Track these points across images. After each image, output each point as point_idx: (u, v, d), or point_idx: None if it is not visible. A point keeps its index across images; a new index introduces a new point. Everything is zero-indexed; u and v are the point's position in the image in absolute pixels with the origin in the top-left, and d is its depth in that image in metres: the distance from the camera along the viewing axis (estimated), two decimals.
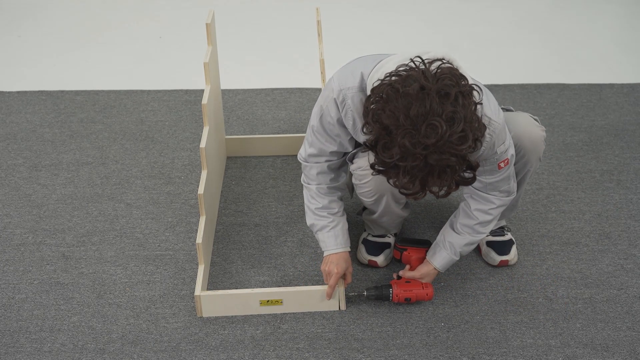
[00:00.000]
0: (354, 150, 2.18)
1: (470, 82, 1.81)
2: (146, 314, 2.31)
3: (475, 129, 1.74)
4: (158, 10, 4.02)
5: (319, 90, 3.29)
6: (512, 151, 2.08)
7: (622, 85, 3.34)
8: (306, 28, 3.83)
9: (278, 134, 3.04)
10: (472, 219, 2.19)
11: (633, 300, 2.34)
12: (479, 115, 1.79)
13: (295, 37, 3.78)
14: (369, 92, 1.95)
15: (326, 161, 2.18)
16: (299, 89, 3.33)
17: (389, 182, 1.82)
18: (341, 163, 2.22)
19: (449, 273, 2.42)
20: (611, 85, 3.34)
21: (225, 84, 3.24)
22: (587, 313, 2.30)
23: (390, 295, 2.27)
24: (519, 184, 2.29)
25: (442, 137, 1.69)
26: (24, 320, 2.29)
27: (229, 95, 3.27)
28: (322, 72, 2.59)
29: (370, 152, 1.83)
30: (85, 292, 2.38)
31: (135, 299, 2.36)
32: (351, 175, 2.25)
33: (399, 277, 2.30)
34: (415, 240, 2.41)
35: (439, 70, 1.75)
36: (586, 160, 2.90)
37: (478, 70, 3.46)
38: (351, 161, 2.20)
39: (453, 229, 2.24)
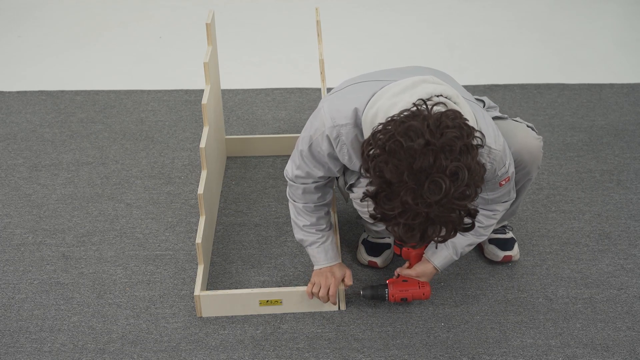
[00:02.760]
0: (352, 182, 2.15)
1: (471, 117, 1.79)
2: (146, 314, 2.31)
3: (477, 179, 1.72)
4: (158, 10, 4.02)
5: (319, 90, 3.29)
6: (512, 169, 2.07)
7: (622, 85, 3.34)
8: (306, 28, 3.83)
9: (278, 134, 3.04)
10: (477, 223, 2.17)
11: (633, 300, 2.34)
12: (481, 160, 1.76)
13: (296, 37, 3.78)
14: (364, 129, 1.93)
15: (313, 182, 2.16)
16: (299, 89, 3.33)
17: (387, 229, 1.79)
18: (327, 183, 2.20)
19: (448, 273, 2.43)
20: (611, 85, 3.34)
21: (225, 84, 3.24)
22: (587, 313, 2.30)
23: (386, 295, 2.26)
24: (519, 192, 2.29)
25: (447, 195, 1.66)
26: (24, 320, 2.29)
27: (229, 95, 3.27)
28: (321, 73, 2.59)
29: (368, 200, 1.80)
30: (85, 292, 2.38)
31: (135, 299, 2.36)
32: (345, 183, 2.23)
33: (398, 276, 2.30)
34: None
35: (442, 120, 1.71)
36: (586, 160, 2.90)
37: (478, 70, 3.47)
38: (351, 190, 2.18)
39: None
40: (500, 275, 2.42)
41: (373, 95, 1.94)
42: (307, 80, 3.39)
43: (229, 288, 2.39)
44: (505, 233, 2.47)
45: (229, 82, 3.29)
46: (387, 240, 2.46)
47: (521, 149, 2.16)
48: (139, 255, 2.51)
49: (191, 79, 3.37)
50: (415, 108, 1.76)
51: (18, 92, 3.30)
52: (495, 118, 2.20)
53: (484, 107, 2.26)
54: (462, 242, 2.22)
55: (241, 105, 3.23)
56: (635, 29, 3.86)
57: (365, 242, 2.47)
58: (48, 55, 3.63)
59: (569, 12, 4.00)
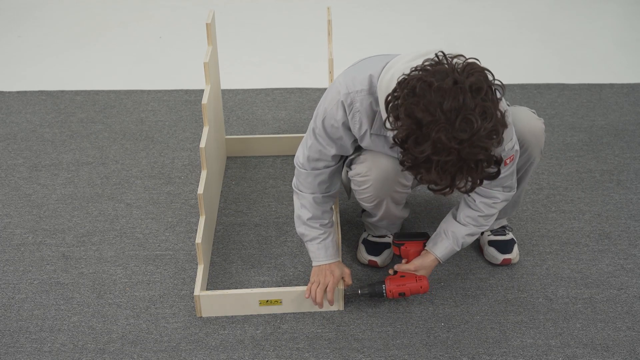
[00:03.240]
0: (352, 156, 2.17)
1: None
2: (146, 314, 2.31)
3: (502, 123, 1.75)
4: (158, 10, 4.02)
5: (319, 90, 3.29)
6: (517, 147, 2.09)
7: (622, 85, 3.34)
8: (306, 28, 3.84)
9: (278, 134, 3.04)
10: (476, 211, 2.19)
11: (633, 300, 2.35)
12: (503, 110, 1.78)
13: (296, 37, 3.78)
14: (379, 95, 1.94)
15: (325, 167, 2.16)
16: (299, 89, 3.33)
17: (416, 179, 1.81)
18: (337, 169, 2.20)
19: (449, 273, 2.43)
20: (611, 85, 3.34)
21: (225, 84, 3.24)
22: (587, 313, 2.30)
23: (384, 291, 2.25)
24: (521, 179, 2.29)
25: (477, 132, 1.69)
26: (24, 320, 2.29)
27: (229, 95, 3.27)
28: (330, 72, 2.58)
29: (376, 156, 1.80)
30: (85, 292, 2.38)
31: (135, 299, 2.36)
32: (349, 178, 2.24)
33: (395, 272, 2.29)
34: (412, 233, 2.39)
35: (466, 64, 1.76)
36: (586, 160, 2.90)
37: None
38: (349, 167, 2.19)
39: (457, 220, 2.23)
40: (500, 275, 2.42)
41: (387, 64, 1.97)
42: (308, 80, 3.39)
43: (229, 288, 2.39)
44: (505, 234, 2.46)
45: (229, 82, 3.29)
46: (387, 240, 2.46)
47: (524, 129, 2.17)
48: (139, 255, 2.51)
49: (191, 79, 3.37)
50: (437, 58, 1.79)
51: (18, 92, 3.30)
52: None
53: None
54: (463, 231, 2.22)
55: (241, 105, 3.23)
56: (635, 29, 3.86)
57: (366, 242, 2.47)
58: (48, 55, 3.63)
59: (569, 12, 4.00)
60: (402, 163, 1.80)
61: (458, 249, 2.26)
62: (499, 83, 1.81)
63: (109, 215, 2.66)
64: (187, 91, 3.31)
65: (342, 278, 2.27)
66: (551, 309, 2.32)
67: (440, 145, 1.70)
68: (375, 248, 2.45)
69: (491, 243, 2.45)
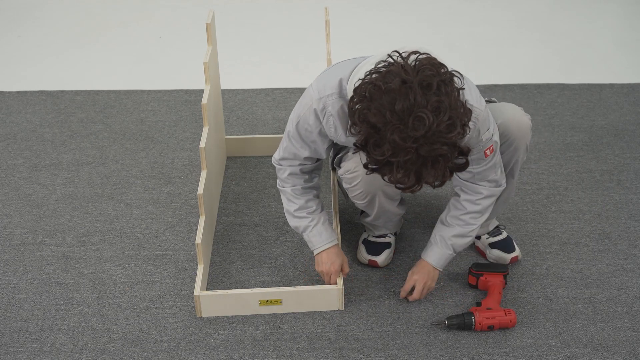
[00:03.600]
0: (340, 155, 2.18)
1: (450, 69, 1.82)
2: (146, 314, 2.31)
3: (461, 114, 1.75)
4: (158, 10, 4.02)
5: None
6: (496, 138, 2.09)
7: (622, 85, 3.34)
8: (306, 28, 3.84)
9: (278, 134, 3.04)
10: (460, 210, 2.20)
11: (633, 300, 2.34)
12: (463, 100, 1.79)
13: (296, 37, 3.78)
14: (348, 97, 1.95)
15: (299, 165, 2.20)
16: (299, 89, 3.33)
17: (384, 179, 1.83)
18: (314, 167, 2.23)
19: (448, 273, 2.42)
20: (611, 85, 3.34)
21: (225, 84, 3.24)
22: (587, 313, 2.30)
23: (473, 323, 2.22)
24: (509, 175, 2.29)
25: (431, 128, 1.70)
26: (24, 320, 2.29)
27: (229, 95, 3.27)
28: None
29: (361, 152, 1.83)
30: (85, 292, 2.38)
31: (135, 299, 2.36)
32: (334, 159, 2.26)
33: (479, 304, 2.26)
34: (491, 265, 2.37)
35: (417, 62, 1.76)
36: (586, 160, 2.90)
37: (478, 70, 3.46)
38: (338, 166, 2.20)
39: (442, 223, 2.25)
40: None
41: (356, 66, 1.98)
42: (308, 80, 3.37)
43: (229, 288, 2.39)
44: (501, 233, 2.47)
45: (229, 82, 3.29)
46: (387, 240, 2.46)
47: (509, 121, 2.17)
48: (139, 255, 2.51)
49: (191, 79, 3.37)
50: (390, 58, 1.81)
51: (18, 92, 3.30)
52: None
53: None
54: (449, 232, 2.22)
55: (241, 105, 3.23)
56: (635, 29, 3.86)
57: (366, 242, 2.47)
58: (48, 55, 3.63)
59: (569, 12, 4.00)
60: (365, 166, 1.82)
61: (451, 252, 2.25)
62: (457, 74, 1.80)
63: (109, 215, 2.66)
64: (187, 91, 3.31)
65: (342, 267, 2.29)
66: (551, 309, 2.32)
67: (397, 146, 1.72)
68: (375, 248, 2.45)
69: (493, 245, 2.45)
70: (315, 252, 2.29)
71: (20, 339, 2.24)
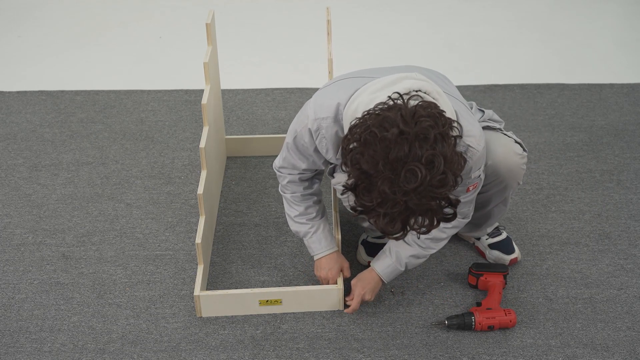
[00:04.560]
0: (333, 165, 2.18)
1: (450, 110, 1.79)
2: (146, 314, 2.31)
3: (455, 168, 1.73)
4: (158, 10, 4.02)
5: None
6: (482, 175, 2.08)
7: (622, 85, 3.34)
8: (306, 28, 3.83)
9: (278, 134, 3.04)
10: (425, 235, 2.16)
11: (633, 300, 2.34)
12: (460, 149, 1.76)
13: (296, 37, 3.78)
14: (344, 124, 1.95)
15: (298, 174, 2.20)
16: (299, 89, 3.33)
17: (369, 222, 1.81)
18: (313, 175, 2.23)
19: (448, 273, 2.42)
20: (611, 85, 3.34)
21: (225, 84, 3.24)
22: (587, 313, 2.30)
23: (473, 323, 2.22)
24: (501, 204, 2.30)
25: (423, 182, 1.68)
26: (24, 320, 2.29)
27: (229, 95, 3.27)
28: (330, 72, 2.58)
29: (349, 193, 1.81)
30: (85, 292, 2.38)
31: (135, 299, 2.36)
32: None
33: (479, 304, 2.27)
34: (491, 265, 2.37)
35: (417, 110, 1.72)
36: (586, 160, 2.90)
37: (478, 70, 3.47)
38: (332, 175, 2.19)
39: (404, 240, 2.20)
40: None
41: (355, 91, 1.96)
42: (307, 80, 3.39)
43: (229, 288, 2.39)
44: (500, 234, 2.47)
45: (229, 82, 3.29)
46: (386, 240, 2.46)
47: (499, 164, 2.15)
48: (139, 255, 2.51)
49: (191, 79, 3.37)
50: (391, 102, 1.78)
51: (18, 92, 3.30)
52: (485, 128, 2.18)
53: (482, 116, 2.25)
54: (407, 252, 2.21)
55: (241, 105, 3.23)
56: (635, 29, 3.86)
57: (365, 243, 2.47)
58: (48, 55, 3.63)
59: (569, 12, 4.00)
60: (353, 209, 1.80)
61: (402, 269, 2.23)
62: (455, 126, 1.77)
63: (109, 215, 2.66)
64: (187, 91, 3.31)
65: (341, 271, 2.28)
66: (551, 309, 2.32)
67: (386, 196, 1.70)
68: (374, 249, 2.44)
69: (493, 246, 2.44)
70: (314, 258, 2.30)
71: (20, 339, 2.24)
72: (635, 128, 3.07)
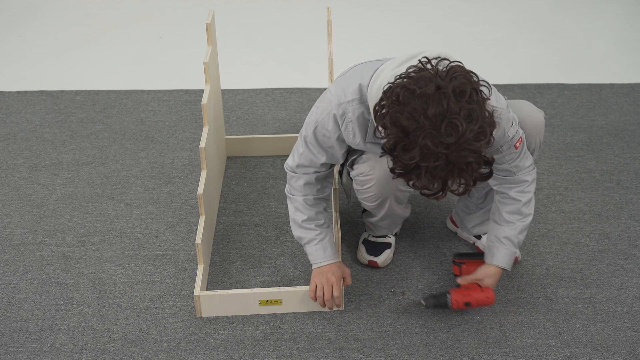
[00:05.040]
0: (354, 157, 2.18)
1: (479, 78, 1.82)
2: (146, 314, 2.31)
3: (489, 123, 1.76)
4: (158, 10, 4.02)
5: (320, 90, 3.29)
6: (521, 132, 2.09)
7: (622, 85, 3.34)
8: (306, 28, 3.84)
9: (278, 134, 3.04)
10: (516, 203, 2.16)
11: (633, 300, 2.35)
12: (490, 110, 1.79)
13: (296, 37, 3.78)
14: (370, 103, 1.95)
15: (315, 172, 2.17)
16: (299, 89, 3.33)
17: (408, 185, 1.81)
18: (327, 174, 2.21)
19: (448, 273, 2.43)
20: (611, 85, 3.34)
21: (225, 84, 3.24)
22: (587, 313, 2.30)
23: (449, 301, 2.22)
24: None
25: (463, 135, 1.70)
26: (24, 320, 2.29)
27: (229, 95, 3.27)
28: (330, 72, 2.59)
29: (387, 156, 1.81)
30: (85, 292, 2.38)
31: (135, 299, 2.36)
32: (351, 180, 2.24)
33: (458, 285, 2.26)
34: (472, 253, 2.38)
35: (449, 69, 1.76)
36: (586, 160, 2.90)
37: (478, 70, 3.45)
38: (351, 167, 2.19)
39: (501, 224, 2.20)
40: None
41: (375, 71, 1.97)
42: (307, 80, 3.39)
43: (229, 288, 2.39)
44: None
45: (229, 82, 3.29)
46: (387, 240, 2.46)
47: (525, 119, 2.17)
48: (139, 255, 2.51)
49: (191, 79, 3.37)
50: (420, 64, 1.80)
51: (18, 92, 3.30)
52: None
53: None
54: (514, 231, 2.19)
55: (241, 105, 3.23)
56: (635, 29, 3.86)
57: (366, 242, 2.47)
58: (48, 55, 3.63)
59: (569, 12, 4.00)
60: (392, 170, 1.81)
61: (516, 250, 2.23)
62: (484, 84, 1.81)
63: (109, 215, 2.66)
64: (187, 91, 3.31)
65: (343, 278, 2.27)
66: (551, 309, 2.32)
67: (428, 151, 1.71)
68: (375, 248, 2.45)
69: None
70: (314, 266, 2.26)
71: (20, 339, 2.24)
72: (635, 128, 3.07)
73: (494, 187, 2.20)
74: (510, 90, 3.29)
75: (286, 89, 3.33)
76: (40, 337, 2.24)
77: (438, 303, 2.24)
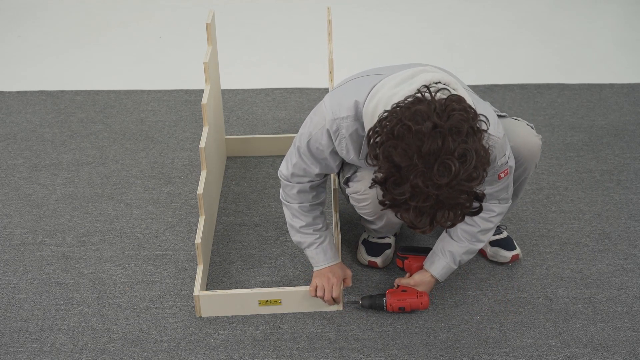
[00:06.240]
0: (348, 174, 2.17)
1: (469, 102, 1.79)
2: (146, 314, 2.31)
3: (484, 162, 1.73)
4: (158, 10, 4.02)
5: (319, 90, 3.29)
6: (512, 162, 2.07)
7: (622, 85, 3.34)
8: (306, 28, 3.84)
9: (278, 134, 3.04)
10: (473, 227, 2.17)
11: (633, 300, 2.35)
12: (486, 145, 1.77)
13: (296, 37, 3.78)
14: (365, 122, 1.93)
15: (309, 181, 2.16)
16: (299, 89, 3.33)
17: (396, 216, 1.80)
18: (322, 182, 2.20)
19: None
20: (611, 85, 3.34)
21: (225, 84, 3.24)
22: (587, 313, 2.30)
23: (384, 304, 2.26)
24: (517, 189, 2.29)
25: (456, 177, 1.68)
26: (24, 320, 2.29)
27: (229, 95, 3.27)
28: (330, 72, 2.58)
29: (377, 187, 1.79)
30: (85, 292, 2.38)
31: (135, 299, 2.36)
32: (342, 178, 2.24)
33: (398, 286, 2.29)
34: (416, 248, 2.39)
35: (448, 103, 1.72)
36: (586, 160, 2.90)
37: (478, 70, 3.47)
38: (346, 184, 2.18)
39: (452, 237, 2.22)
40: (500, 275, 2.42)
41: (373, 88, 1.94)
42: (308, 80, 3.39)
43: (229, 288, 2.39)
44: (501, 233, 2.47)
45: (229, 82, 3.29)
46: (387, 241, 2.46)
47: (521, 145, 2.16)
48: (139, 255, 2.51)
49: (191, 79, 3.37)
50: (419, 94, 1.77)
51: (18, 92, 3.30)
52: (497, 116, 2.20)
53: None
54: (460, 249, 2.21)
55: (241, 105, 3.23)
56: (635, 29, 3.86)
57: (366, 242, 2.47)
58: (48, 55, 3.63)
59: (569, 12, 4.00)
60: (381, 203, 1.79)
61: (455, 267, 2.24)
62: (483, 118, 1.78)
63: (109, 215, 2.66)
64: (187, 91, 3.31)
65: (343, 279, 2.27)
66: (551, 309, 2.32)
67: (418, 190, 1.69)
68: (375, 249, 2.45)
69: (493, 243, 2.45)
70: (316, 268, 2.26)
71: (20, 339, 2.24)
72: (635, 128, 3.07)
73: None
74: (510, 90, 3.29)
75: (286, 89, 3.33)
76: (40, 337, 2.24)
77: (374, 304, 2.27)
